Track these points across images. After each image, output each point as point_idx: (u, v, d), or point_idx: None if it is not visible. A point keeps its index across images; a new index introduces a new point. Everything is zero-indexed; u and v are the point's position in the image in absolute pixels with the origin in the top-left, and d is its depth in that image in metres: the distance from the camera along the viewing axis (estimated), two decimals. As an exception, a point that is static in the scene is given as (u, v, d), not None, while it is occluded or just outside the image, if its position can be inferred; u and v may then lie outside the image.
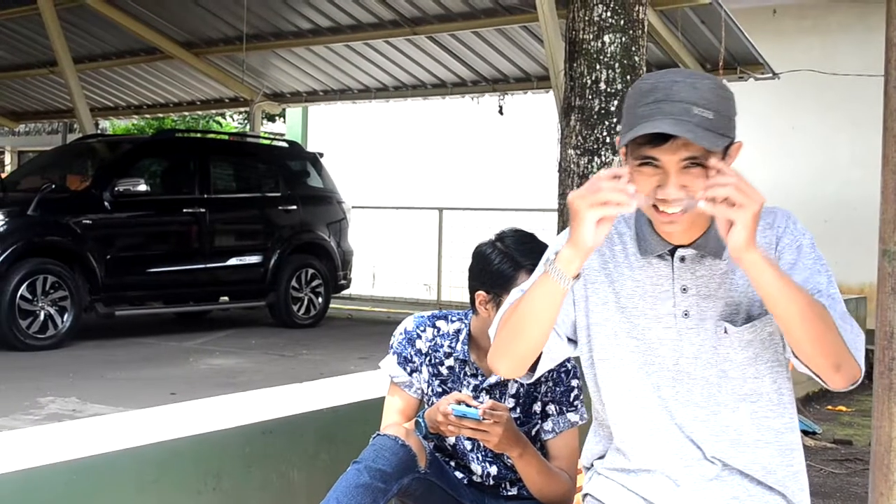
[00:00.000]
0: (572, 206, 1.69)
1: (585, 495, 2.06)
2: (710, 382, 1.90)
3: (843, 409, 7.09)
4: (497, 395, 2.49)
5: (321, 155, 11.03)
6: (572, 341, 1.99)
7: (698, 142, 1.70)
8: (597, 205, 1.67)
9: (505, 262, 2.41)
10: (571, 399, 2.50)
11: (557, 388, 2.49)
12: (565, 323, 1.96)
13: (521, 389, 2.49)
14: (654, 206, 1.79)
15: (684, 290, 1.89)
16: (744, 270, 1.69)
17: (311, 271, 10.20)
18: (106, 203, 8.67)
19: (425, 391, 2.56)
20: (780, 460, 1.91)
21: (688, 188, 1.74)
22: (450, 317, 2.58)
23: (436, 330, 2.56)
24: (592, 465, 2.09)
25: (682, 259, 1.89)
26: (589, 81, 4.53)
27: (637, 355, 1.92)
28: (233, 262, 9.67)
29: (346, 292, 11.29)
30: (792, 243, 1.85)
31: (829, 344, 1.72)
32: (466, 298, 2.53)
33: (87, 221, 8.53)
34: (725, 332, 1.88)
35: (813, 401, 7.12)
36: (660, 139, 1.73)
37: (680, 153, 1.73)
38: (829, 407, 7.03)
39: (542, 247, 2.45)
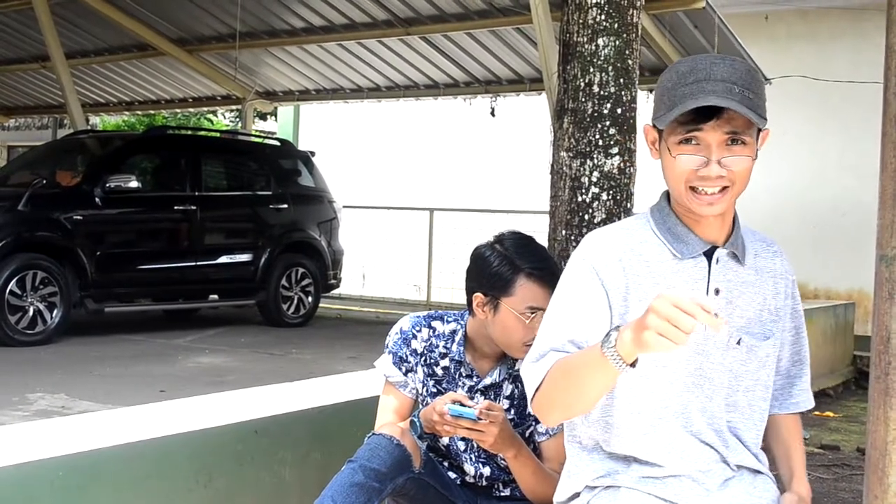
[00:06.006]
0: (655, 310, 1.58)
1: None
2: (727, 389, 1.94)
3: (831, 414, 7.11)
4: (492, 397, 2.49)
5: (313, 154, 11.03)
6: None
7: (747, 114, 1.77)
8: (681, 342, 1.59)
9: (503, 264, 2.41)
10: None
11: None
12: None
13: (517, 391, 2.49)
14: (692, 189, 1.83)
15: (717, 292, 1.92)
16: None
17: (301, 270, 10.19)
18: (97, 199, 8.65)
19: (420, 391, 2.56)
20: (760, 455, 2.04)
21: (728, 167, 1.81)
22: (445, 317, 2.58)
23: (431, 330, 2.56)
24: (588, 486, 2.02)
25: (717, 260, 1.92)
26: (582, 84, 4.52)
27: (659, 365, 1.91)
28: (223, 259, 9.66)
29: (335, 292, 11.28)
30: (797, 304, 2.05)
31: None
32: (456, 299, 2.55)
33: (78, 217, 8.50)
34: (739, 343, 1.92)
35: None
36: (703, 117, 1.79)
37: (723, 128, 1.80)
38: (817, 412, 7.05)
39: (541, 249, 2.46)
